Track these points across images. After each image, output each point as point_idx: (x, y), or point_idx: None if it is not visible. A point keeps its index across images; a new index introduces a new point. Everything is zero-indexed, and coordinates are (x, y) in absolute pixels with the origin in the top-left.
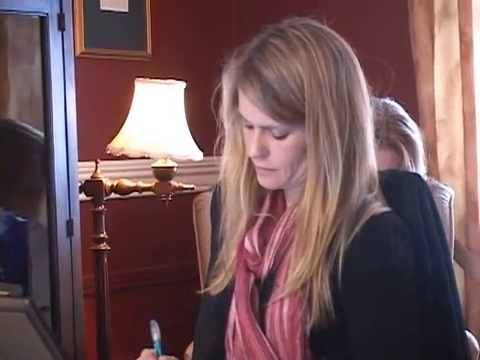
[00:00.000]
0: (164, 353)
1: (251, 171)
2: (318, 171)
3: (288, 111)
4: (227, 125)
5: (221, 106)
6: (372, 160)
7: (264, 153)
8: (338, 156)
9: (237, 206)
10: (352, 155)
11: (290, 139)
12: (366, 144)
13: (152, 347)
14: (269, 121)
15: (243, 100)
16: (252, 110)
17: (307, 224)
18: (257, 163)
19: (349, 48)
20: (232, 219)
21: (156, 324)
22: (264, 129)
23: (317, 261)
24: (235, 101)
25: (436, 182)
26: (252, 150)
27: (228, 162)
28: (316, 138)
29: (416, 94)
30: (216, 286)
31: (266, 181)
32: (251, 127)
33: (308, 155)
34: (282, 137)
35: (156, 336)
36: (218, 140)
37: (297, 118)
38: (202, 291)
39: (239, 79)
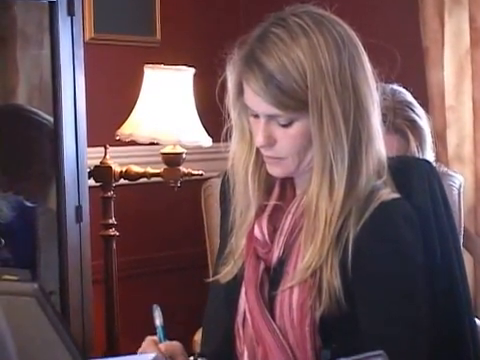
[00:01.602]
0: (166, 338)
1: (259, 160)
2: (324, 159)
3: (292, 100)
4: (234, 115)
5: (227, 96)
6: (379, 145)
7: (271, 142)
8: (343, 143)
9: (246, 196)
10: (358, 141)
11: (296, 127)
12: (372, 129)
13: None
14: (274, 110)
15: (247, 91)
16: (256, 100)
17: (314, 212)
18: (265, 152)
19: (352, 33)
20: (241, 209)
21: (158, 309)
22: (270, 118)
23: (326, 249)
24: (240, 91)
25: (445, 169)
26: (259, 139)
27: (236, 152)
28: (320, 125)
29: (426, 81)
30: (225, 274)
31: (275, 170)
32: (257, 116)
33: (313, 143)
34: (288, 125)
35: (158, 321)
36: (225, 130)
37: (301, 106)
38: (211, 279)
39: (242, 70)
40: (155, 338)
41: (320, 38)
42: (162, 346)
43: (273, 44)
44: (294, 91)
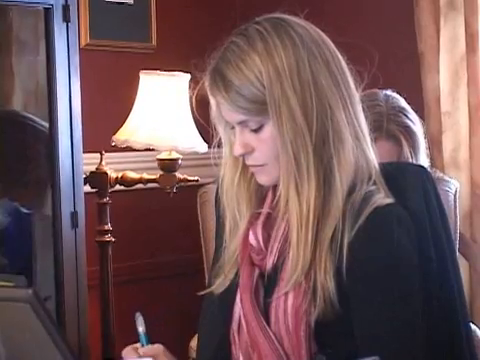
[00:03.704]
0: (149, 344)
1: (248, 171)
2: (287, 158)
3: (254, 103)
4: (220, 130)
5: (211, 113)
6: (361, 145)
7: (248, 150)
8: (306, 141)
9: (235, 209)
10: (325, 139)
11: (266, 131)
12: (340, 126)
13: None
14: (240, 116)
15: (217, 103)
16: (223, 109)
17: (286, 214)
18: (246, 162)
19: (316, 33)
20: (232, 223)
21: (141, 317)
22: (242, 126)
23: (310, 250)
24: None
25: (441, 174)
26: (236, 148)
27: (226, 165)
28: (280, 124)
29: (421, 86)
30: (217, 286)
31: (261, 178)
32: (233, 127)
33: (278, 144)
34: (258, 130)
35: (141, 328)
36: (215, 143)
37: (264, 108)
38: (203, 292)
39: (209, 84)
40: (135, 345)
41: (276, 40)
42: (141, 350)
43: (232, 53)
44: (254, 95)
